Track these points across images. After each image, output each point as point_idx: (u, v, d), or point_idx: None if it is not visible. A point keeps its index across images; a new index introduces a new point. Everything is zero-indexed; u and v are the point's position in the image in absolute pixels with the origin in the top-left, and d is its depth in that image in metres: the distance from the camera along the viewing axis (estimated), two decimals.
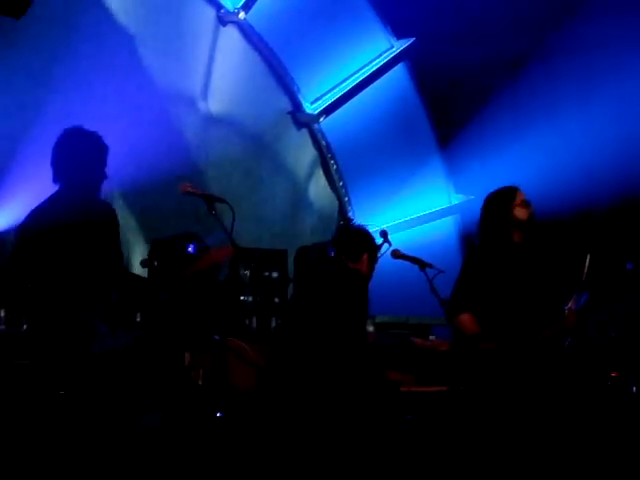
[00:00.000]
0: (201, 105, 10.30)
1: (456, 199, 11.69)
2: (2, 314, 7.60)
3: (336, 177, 11.39)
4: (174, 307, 7.46)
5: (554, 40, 10.48)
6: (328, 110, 11.11)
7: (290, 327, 6.49)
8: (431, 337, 9.06)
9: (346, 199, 11.41)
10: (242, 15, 10.39)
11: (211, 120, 10.34)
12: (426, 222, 11.53)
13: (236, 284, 8.51)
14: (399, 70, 11.34)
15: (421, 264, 6.53)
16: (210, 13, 10.33)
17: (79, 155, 5.36)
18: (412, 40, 11.14)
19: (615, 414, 7.07)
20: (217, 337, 7.03)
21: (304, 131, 11.21)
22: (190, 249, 8.49)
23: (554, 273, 6.31)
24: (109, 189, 5.70)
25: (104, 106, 8.69)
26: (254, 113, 10.62)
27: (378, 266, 6.74)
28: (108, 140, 5.52)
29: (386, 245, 7.26)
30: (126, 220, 9.02)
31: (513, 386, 6.03)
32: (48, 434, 5.17)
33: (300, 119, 11.12)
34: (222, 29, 10.40)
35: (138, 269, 8.07)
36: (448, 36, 10.67)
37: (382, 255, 6.96)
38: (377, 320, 8.89)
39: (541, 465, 5.99)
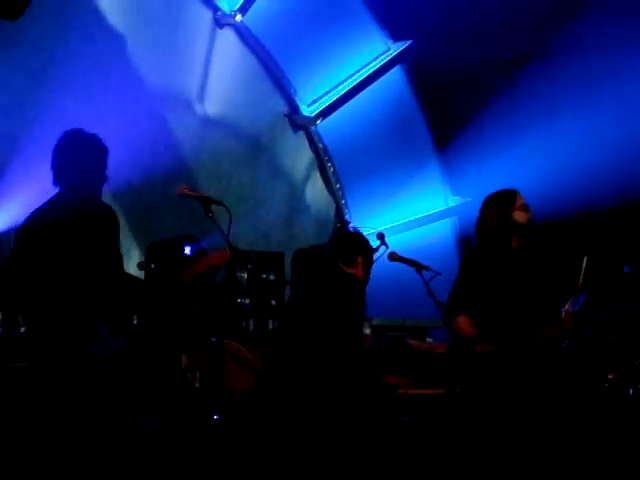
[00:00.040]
0: (198, 107, 10.30)
1: (453, 201, 11.70)
2: None
3: (333, 179, 11.39)
4: (171, 309, 7.45)
5: (553, 41, 10.48)
6: (325, 112, 11.12)
7: (287, 331, 6.49)
8: (428, 339, 9.05)
9: (343, 202, 11.41)
10: (239, 17, 10.39)
11: (208, 122, 10.34)
12: (423, 224, 11.54)
13: (233, 286, 8.50)
14: (396, 72, 11.35)
15: (418, 266, 6.53)
16: (207, 15, 10.33)
17: (79, 157, 5.35)
18: (409, 42, 11.15)
19: (612, 416, 7.07)
20: (214, 339, 7.02)
21: (301, 133, 11.22)
22: (187, 251, 8.48)
23: (551, 276, 6.31)
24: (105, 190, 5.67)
25: (101, 108, 8.69)
26: (251, 115, 10.63)
27: (375, 269, 6.74)
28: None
29: (383, 248, 7.25)
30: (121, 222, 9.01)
31: (510, 388, 6.02)
32: (46, 436, 5.16)
33: (297, 121, 11.12)
34: (219, 31, 10.41)
35: (134, 272, 8.07)
36: (445, 38, 10.67)
37: (379, 258, 6.96)
38: (374, 323, 8.88)
39: (538, 467, 5.99)
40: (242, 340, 7.96)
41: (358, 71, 11.15)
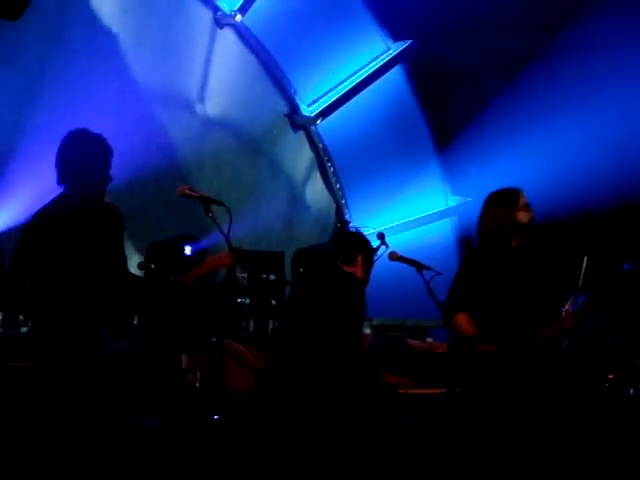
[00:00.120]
0: (198, 108, 10.30)
1: (453, 201, 11.70)
2: None
3: (333, 179, 11.39)
4: (171, 309, 7.45)
5: (552, 41, 10.48)
6: (325, 112, 11.12)
7: (286, 331, 6.49)
8: (428, 339, 9.06)
9: (343, 201, 11.42)
10: (239, 18, 10.39)
11: (208, 122, 10.34)
12: (423, 224, 11.54)
13: (233, 286, 8.50)
14: (396, 72, 11.34)
15: (418, 266, 6.53)
16: (207, 15, 10.33)
17: (84, 157, 5.34)
18: (409, 42, 11.15)
19: (612, 416, 7.07)
20: (214, 339, 7.02)
21: (301, 133, 11.22)
22: (187, 251, 8.48)
23: (551, 276, 6.31)
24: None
25: (101, 108, 8.68)
26: (251, 115, 10.63)
27: (375, 268, 6.74)
28: None
29: (383, 247, 7.25)
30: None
31: (510, 388, 6.02)
32: (46, 436, 5.16)
33: (297, 121, 11.13)
34: (219, 32, 10.40)
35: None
36: (445, 38, 10.67)
37: (379, 257, 6.96)
38: (374, 322, 8.88)
39: (539, 466, 5.98)
40: (242, 340, 7.96)
41: (358, 71, 11.15)
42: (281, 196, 10.94)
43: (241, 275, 8.79)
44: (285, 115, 11.05)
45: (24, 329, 7.32)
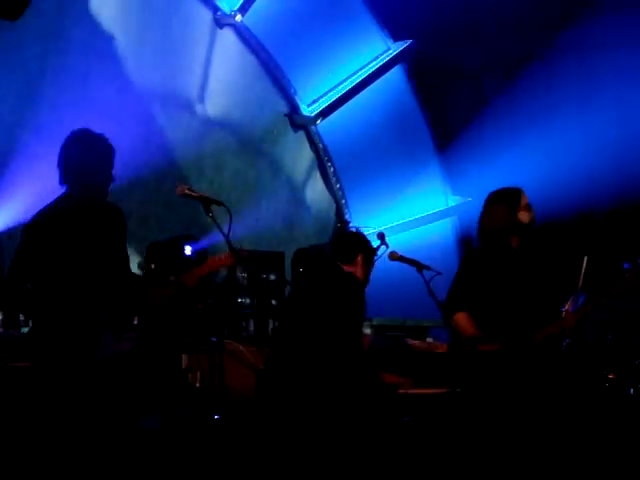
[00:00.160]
0: (198, 108, 10.30)
1: (453, 201, 11.70)
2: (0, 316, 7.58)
3: (333, 179, 11.39)
4: (171, 309, 7.45)
5: (553, 42, 10.49)
6: (325, 112, 11.12)
7: (286, 331, 6.49)
8: (428, 339, 9.06)
9: (343, 201, 11.42)
10: (239, 18, 10.39)
11: (208, 122, 10.34)
12: (423, 224, 11.54)
13: (233, 286, 8.50)
14: (396, 72, 11.35)
15: (418, 266, 6.52)
16: (207, 16, 10.33)
17: (87, 157, 5.33)
18: (409, 42, 11.15)
19: (613, 416, 7.07)
20: (214, 339, 7.02)
21: (301, 133, 11.22)
22: (187, 251, 8.48)
23: (551, 276, 6.31)
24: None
25: (101, 108, 8.68)
26: (251, 115, 10.63)
27: (375, 268, 6.74)
28: None
29: (383, 247, 7.25)
30: None
31: (511, 388, 6.02)
32: (46, 436, 5.16)
33: (297, 121, 11.13)
34: (219, 32, 10.41)
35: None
36: (445, 38, 10.67)
37: (379, 257, 6.96)
38: (374, 322, 8.89)
39: (539, 466, 5.98)
40: (242, 340, 7.96)
41: (358, 71, 11.15)
42: (281, 196, 10.94)
43: (241, 275, 8.80)
44: (285, 115, 11.05)
45: (24, 329, 7.32)
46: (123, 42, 9.53)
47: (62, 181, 5.38)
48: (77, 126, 5.44)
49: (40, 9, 8.80)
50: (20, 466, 5.44)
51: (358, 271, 6.49)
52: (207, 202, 5.85)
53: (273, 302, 8.90)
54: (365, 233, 6.84)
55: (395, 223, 11.30)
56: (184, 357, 7.43)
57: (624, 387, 7.21)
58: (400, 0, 10.60)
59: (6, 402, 6.32)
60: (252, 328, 8.65)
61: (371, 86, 11.21)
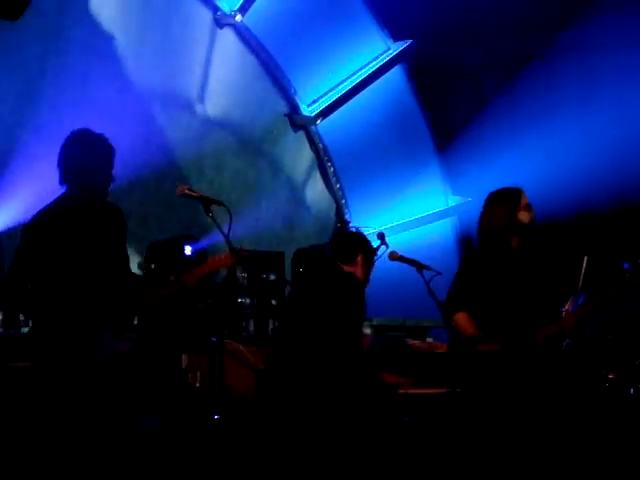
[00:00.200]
0: (198, 108, 10.30)
1: (453, 201, 11.70)
2: None
3: (333, 179, 11.39)
4: (171, 309, 7.45)
5: (552, 42, 10.48)
6: (325, 112, 11.12)
7: (286, 330, 6.49)
8: (428, 339, 9.06)
9: (343, 201, 11.42)
10: (239, 18, 10.39)
11: (208, 122, 10.34)
12: (423, 224, 11.54)
13: (233, 286, 8.50)
14: (396, 72, 11.34)
15: (418, 266, 6.52)
16: (207, 16, 10.33)
17: (87, 157, 5.33)
18: (409, 42, 11.15)
19: (613, 416, 7.07)
20: (214, 339, 7.02)
21: (301, 133, 11.22)
22: (187, 251, 8.48)
23: (551, 276, 6.31)
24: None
25: (100, 108, 8.68)
26: (251, 115, 10.63)
27: (375, 268, 6.74)
28: None
29: (383, 247, 7.25)
30: None
31: (511, 388, 6.02)
32: (46, 436, 5.16)
33: (297, 121, 11.13)
34: (219, 32, 10.41)
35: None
36: (445, 38, 10.67)
37: (379, 257, 6.96)
38: (374, 322, 8.89)
39: (539, 466, 5.98)
40: (242, 340, 7.96)
41: (358, 71, 11.15)
42: (281, 196, 10.94)
43: (241, 275, 8.79)
44: (285, 115, 11.05)
45: (24, 329, 7.32)
46: (123, 42, 9.53)
47: (62, 181, 5.38)
48: (77, 126, 5.44)
49: (40, 9, 8.80)
50: (20, 466, 5.44)
51: (358, 271, 6.49)
52: (207, 202, 5.85)
53: (273, 302, 8.90)
54: (365, 233, 6.84)
55: (395, 223, 11.30)
56: (184, 357, 7.43)
57: (624, 387, 7.21)
58: (400, 0, 10.60)
59: (6, 402, 6.32)
60: (252, 328, 8.65)
61: (371, 86, 11.21)
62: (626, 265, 6.31)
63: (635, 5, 9.96)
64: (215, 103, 10.37)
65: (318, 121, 11.15)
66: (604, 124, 10.17)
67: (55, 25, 9.05)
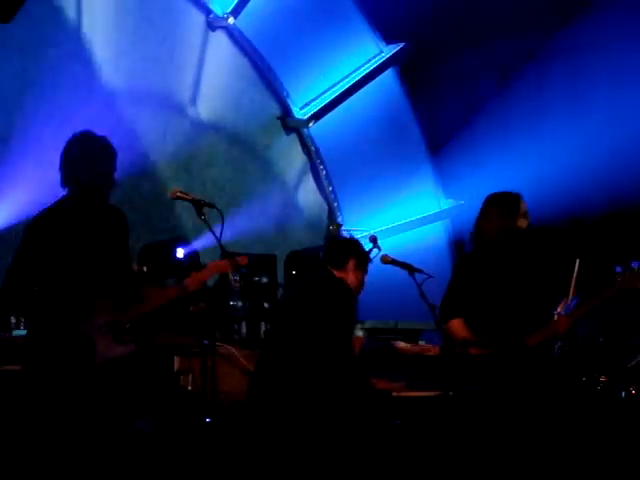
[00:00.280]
0: (190, 111, 10.29)
1: (446, 204, 11.70)
2: None
3: (325, 182, 11.37)
4: (164, 312, 7.44)
5: (544, 45, 10.49)
6: (317, 115, 11.11)
7: (276, 334, 6.48)
8: (420, 342, 9.05)
9: (335, 204, 11.40)
10: (231, 20, 10.37)
11: (200, 125, 10.33)
12: (416, 227, 11.53)
13: (225, 289, 8.49)
14: (389, 75, 11.34)
15: (411, 269, 6.51)
16: (199, 18, 10.32)
17: (89, 159, 5.33)
18: (402, 45, 11.15)
19: (604, 419, 7.08)
20: (206, 342, 7.01)
21: (293, 136, 11.21)
22: (179, 254, 8.47)
23: (543, 279, 6.31)
24: None
25: (91, 111, 8.67)
26: (243, 118, 10.62)
27: (368, 271, 6.71)
28: None
29: (375, 250, 7.24)
30: None
31: (503, 391, 6.02)
32: (39, 438, 5.16)
33: (289, 124, 11.11)
34: (211, 34, 10.40)
35: None
36: (438, 41, 10.68)
37: (372, 260, 6.95)
38: (366, 325, 8.87)
39: (531, 469, 5.99)
40: (234, 343, 7.95)
41: (351, 74, 11.14)
42: (273, 199, 10.92)
43: (233, 278, 8.78)
44: (277, 118, 11.04)
45: (16, 332, 7.31)
46: (114, 45, 9.51)
47: (63, 183, 5.37)
48: (66, 130, 5.44)
49: (30, 15, 8.78)
50: (14, 469, 5.42)
51: (350, 277, 6.46)
52: (199, 205, 5.85)
53: (265, 305, 8.88)
54: (357, 236, 6.84)
55: (387, 226, 11.28)
56: (176, 360, 7.42)
57: (616, 390, 7.22)
58: (392, 3, 10.60)
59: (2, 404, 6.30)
60: (244, 331, 8.64)
61: (364, 89, 11.20)
62: (618, 268, 6.31)
63: (628, 4, 9.97)
64: (207, 106, 10.36)
65: (310, 124, 11.13)
66: (597, 126, 10.18)
67: (46, 27, 9.04)
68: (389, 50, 11.21)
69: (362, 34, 11.08)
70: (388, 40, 11.17)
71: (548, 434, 6.10)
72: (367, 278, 6.65)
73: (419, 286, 6.27)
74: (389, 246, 8.08)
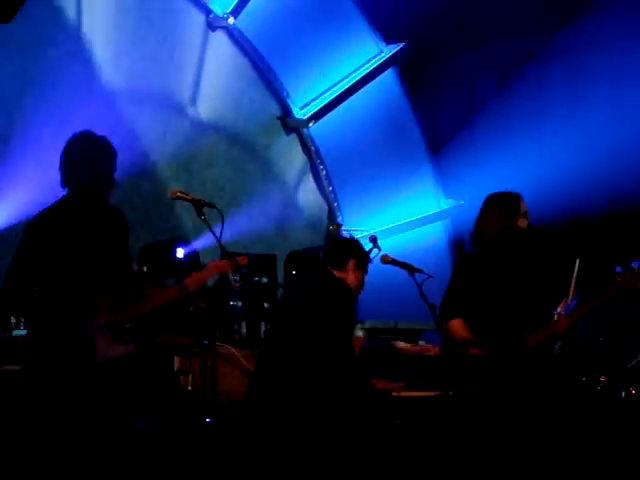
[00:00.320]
0: (190, 111, 10.29)
1: (446, 204, 11.70)
2: None
3: (325, 182, 11.38)
4: (163, 312, 7.44)
5: (544, 45, 10.49)
6: (317, 115, 11.11)
7: (276, 334, 6.48)
8: (420, 342, 9.05)
9: (335, 204, 11.40)
10: (231, 20, 10.37)
11: (200, 126, 10.33)
12: (416, 227, 11.53)
13: (225, 289, 8.49)
14: (389, 75, 11.34)
15: (410, 269, 6.51)
16: (199, 18, 10.32)
17: (89, 160, 5.33)
18: (402, 45, 11.15)
19: (604, 419, 7.08)
20: (206, 342, 7.01)
21: (293, 136, 11.21)
22: (179, 254, 8.47)
23: (543, 279, 6.31)
24: None
25: (91, 112, 8.67)
26: (243, 118, 10.62)
27: (368, 271, 6.71)
28: None
29: (375, 250, 7.24)
30: None
31: (503, 391, 6.03)
32: (39, 438, 5.16)
33: (289, 124, 11.11)
34: (211, 34, 10.40)
35: None
36: (438, 41, 10.68)
37: (372, 260, 6.94)
38: (366, 325, 8.87)
39: (531, 469, 5.99)
40: (234, 343, 7.95)
41: (351, 74, 11.14)
42: (273, 199, 10.92)
43: (233, 278, 8.78)
44: (277, 118, 11.04)
45: (16, 332, 7.31)
46: (114, 45, 9.52)
47: (63, 183, 5.37)
48: (65, 131, 5.44)
49: (30, 15, 8.78)
50: (15, 469, 5.43)
51: (349, 277, 6.45)
52: (199, 205, 5.85)
53: (265, 305, 8.88)
54: (357, 236, 6.84)
55: (387, 226, 11.28)
56: (176, 360, 7.42)
57: (616, 390, 7.22)
58: (392, 3, 10.60)
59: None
60: (244, 331, 8.64)
61: (364, 89, 11.20)
62: (618, 268, 6.32)
63: (628, 4, 9.97)
64: (207, 106, 10.36)
65: (310, 124, 11.13)
66: (597, 126, 10.18)
67: (46, 27, 9.05)
68: (389, 50, 11.21)
69: (362, 34, 11.09)
70: (388, 40, 11.18)
71: (548, 434, 6.10)
72: (367, 278, 6.65)
73: (419, 286, 6.27)
74: (389, 246, 8.08)
